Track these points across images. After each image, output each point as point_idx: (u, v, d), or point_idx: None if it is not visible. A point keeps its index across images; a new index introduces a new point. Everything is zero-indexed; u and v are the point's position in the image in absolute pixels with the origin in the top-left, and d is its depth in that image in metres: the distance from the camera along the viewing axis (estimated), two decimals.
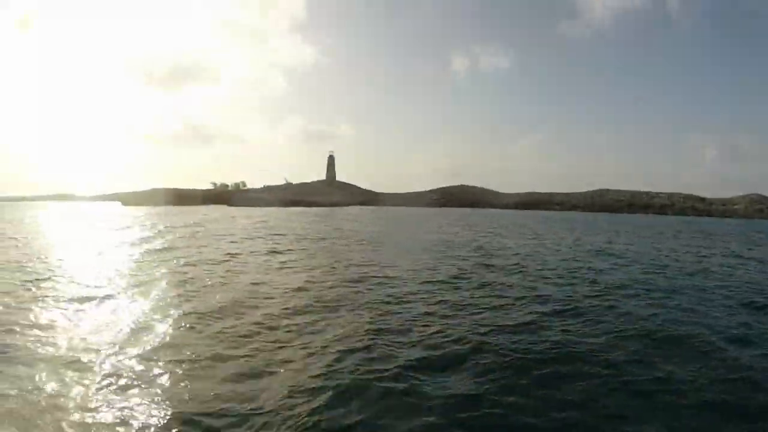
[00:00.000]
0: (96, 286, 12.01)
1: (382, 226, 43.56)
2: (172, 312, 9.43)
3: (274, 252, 19.97)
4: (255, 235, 28.89)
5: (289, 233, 31.55)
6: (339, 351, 7.22)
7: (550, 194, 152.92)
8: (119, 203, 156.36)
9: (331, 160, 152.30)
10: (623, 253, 22.29)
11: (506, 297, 11.37)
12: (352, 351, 7.24)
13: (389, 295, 11.26)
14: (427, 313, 9.66)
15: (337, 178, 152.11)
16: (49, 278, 13.02)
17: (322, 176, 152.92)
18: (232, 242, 24.60)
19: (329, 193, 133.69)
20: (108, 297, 10.79)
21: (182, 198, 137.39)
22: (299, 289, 11.85)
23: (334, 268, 15.73)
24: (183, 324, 8.64)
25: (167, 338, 7.87)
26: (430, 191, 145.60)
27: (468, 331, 8.42)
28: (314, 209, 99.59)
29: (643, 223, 62.40)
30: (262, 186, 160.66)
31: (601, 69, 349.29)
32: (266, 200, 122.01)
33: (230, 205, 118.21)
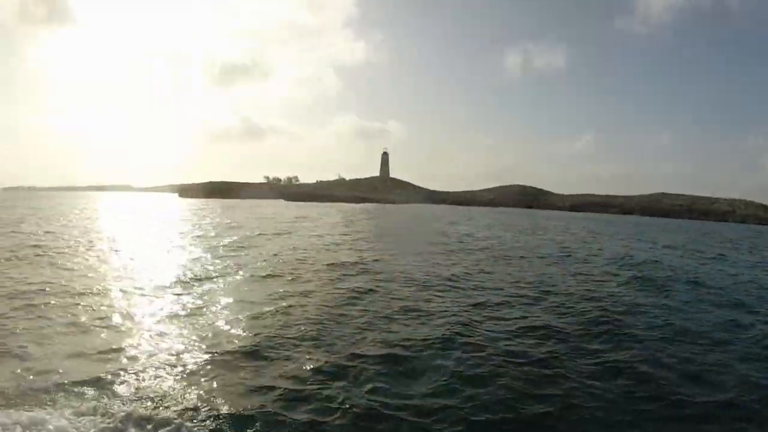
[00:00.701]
0: (267, 295, 11.24)
1: (482, 228, 41.60)
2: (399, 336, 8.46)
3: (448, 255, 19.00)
4: (377, 235, 28.17)
5: (402, 234, 30.51)
6: None
7: (606, 196, 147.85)
8: (176, 195, 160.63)
9: (385, 158, 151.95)
10: None
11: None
12: None
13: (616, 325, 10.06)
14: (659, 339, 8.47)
15: (390, 175, 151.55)
16: (199, 279, 12.50)
17: (375, 173, 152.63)
18: (344, 236, 23.97)
19: (384, 189, 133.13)
20: (290, 307, 9.96)
21: (233, 192, 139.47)
22: (506, 314, 10.78)
23: (519, 284, 13.83)
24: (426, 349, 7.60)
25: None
26: (487, 190, 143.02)
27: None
28: (370, 205, 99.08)
29: (730, 231, 58.73)
30: (316, 181, 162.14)
31: (659, 67, 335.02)
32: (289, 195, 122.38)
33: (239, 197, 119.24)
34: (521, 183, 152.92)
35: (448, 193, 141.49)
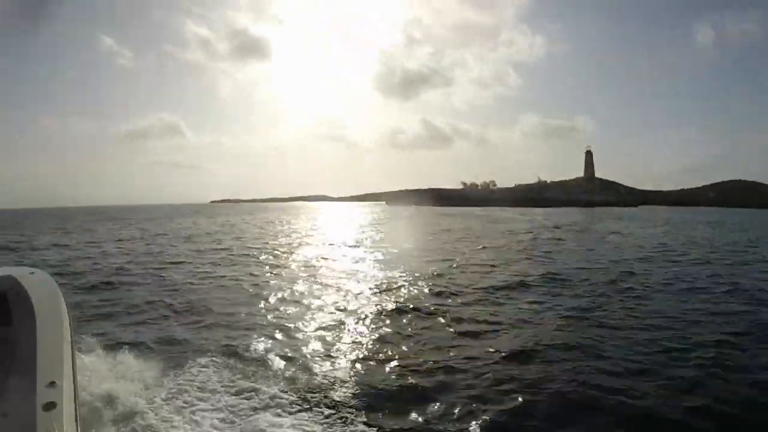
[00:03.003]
0: None
1: None
2: None
3: None
4: None
5: None
6: None
7: None
8: (383, 203, 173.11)
9: (588, 156, 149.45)
10: None
11: None
12: None
13: None
14: None
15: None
16: None
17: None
18: None
19: (594, 191, 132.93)
20: None
21: (442, 199, 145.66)
22: None
23: None
24: None
25: None
26: (702, 188, 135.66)
27: None
28: (583, 210, 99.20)
29: None
30: (514, 185, 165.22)
31: None
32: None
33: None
34: (740, 178, 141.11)
35: (661, 192, 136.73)
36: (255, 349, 7.52)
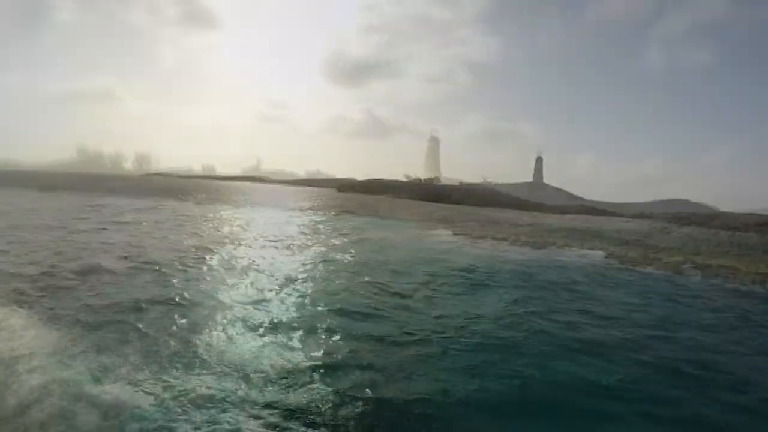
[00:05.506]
0: None
1: None
2: None
3: None
4: None
5: None
6: None
7: None
8: (334, 190, 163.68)
9: (539, 163, 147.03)
10: None
11: None
12: None
13: None
14: None
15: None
16: None
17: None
18: None
19: (544, 197, 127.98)
20: None
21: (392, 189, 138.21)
22: None
23: None
24: None
25: None
26: (653, 203, 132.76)
27: None
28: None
29: None
30: (458, 183, 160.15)
31: None
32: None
33: None
34: (681, 197, 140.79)
35: (621, 204, 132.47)
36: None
